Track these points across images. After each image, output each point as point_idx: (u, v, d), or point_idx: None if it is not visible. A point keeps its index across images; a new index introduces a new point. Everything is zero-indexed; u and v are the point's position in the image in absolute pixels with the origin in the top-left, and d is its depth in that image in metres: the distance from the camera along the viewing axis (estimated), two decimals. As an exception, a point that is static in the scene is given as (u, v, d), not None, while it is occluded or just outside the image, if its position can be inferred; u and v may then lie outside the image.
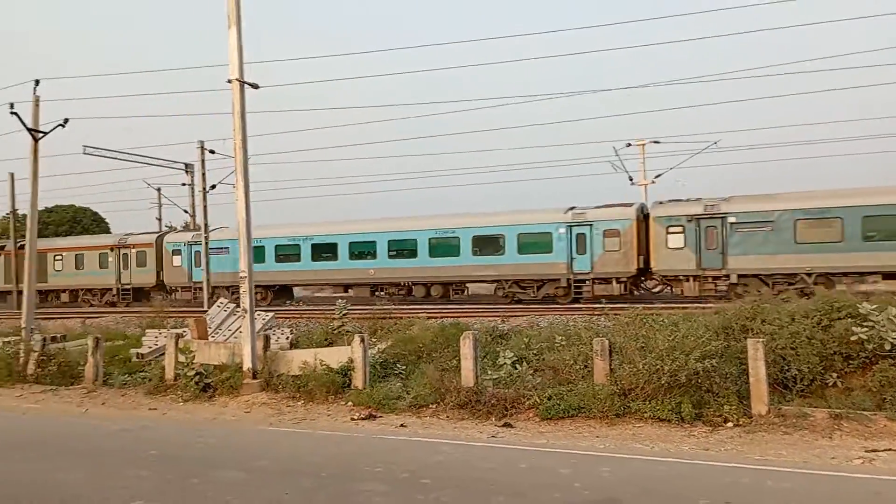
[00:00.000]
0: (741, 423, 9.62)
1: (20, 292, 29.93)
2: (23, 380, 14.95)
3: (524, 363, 12.35)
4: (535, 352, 12.61)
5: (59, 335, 18.84)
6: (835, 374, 10.47)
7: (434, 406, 11.18)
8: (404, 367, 13.58)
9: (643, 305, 12.89)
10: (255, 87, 13.79)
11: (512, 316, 18.28)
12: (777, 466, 7.80)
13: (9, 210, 37.80)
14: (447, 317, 19.13)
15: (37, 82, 17.95)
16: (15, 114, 17.40)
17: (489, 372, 11.97)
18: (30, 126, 17.66)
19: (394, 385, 12.43)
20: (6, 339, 17.10)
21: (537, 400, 10.55)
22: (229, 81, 13.41)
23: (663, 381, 9.84)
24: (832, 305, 11.08)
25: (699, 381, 9.96)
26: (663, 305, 17.49)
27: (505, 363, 12.23)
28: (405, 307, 23.53)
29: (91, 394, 13.78)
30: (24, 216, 36.86)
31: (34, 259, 17.50)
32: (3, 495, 7.05)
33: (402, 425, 10.42)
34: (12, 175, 35.70)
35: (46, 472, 7.92)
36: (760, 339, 10.11)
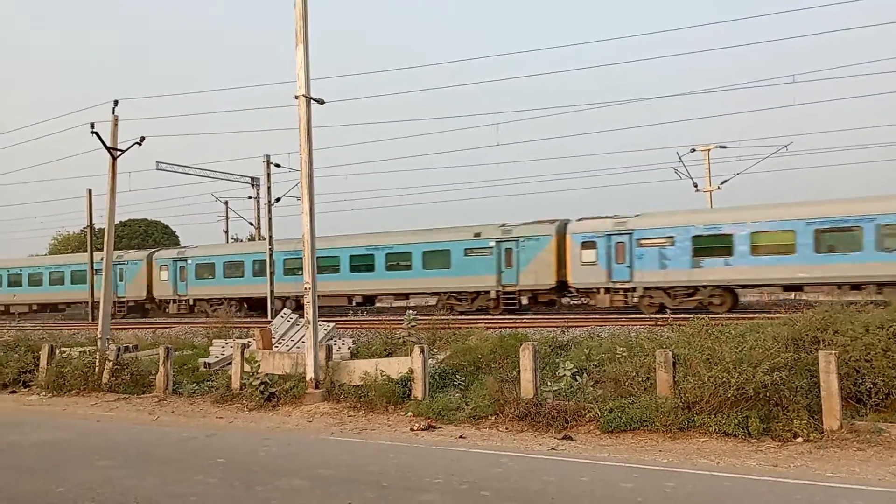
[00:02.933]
0: (812, 438, 9.28)
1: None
2: (98, 388, 15.62)
3: (584, 374, 12.22)
4: (595, 363, 12.46)
5: (131, 345, 19.64)
6: (914, 388, 9.98)
7: (493, 417, 11.17)
8: (463, 378, 13.62)
9: (708, 316, 12.57)
10: (320, 102, 14.15)
11: (572, 326, 18.08)
12: (850, 484, 7.48)
13: (86, 224, 39.59)
14: (506, 327, 19.10)
15: (115, 103, 18.82)
16: (95, 133, 18.27)
17: (549, 383, 11.89)
18: (108, 144, 18.53)
19: (453, 396, 12.48)
20: (83, 349, 17.92)
21: (598, 412, 10.41)
22: (296, 97, 13.79)
23: (730, 395, 9.57)
24: (910, 316, 10.57)
25: (767, 394, 9.65)
26: (728, 317, 17.00)
27: (565, 374, 12.12)
28: (463, 318, 23.60)
29: (161, 402, 14.30)
30: (101, 230, 38.79)
31: (110, 272, 18.29)
32: (81, 498, 7.40)
33: (461, 436, 10.44)
34: (90, 191, 37.50)
35: (120, 478, 8.26)
36: (833, 351, 9.73)
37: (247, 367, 13.87)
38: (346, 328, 21.63)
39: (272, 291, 31.84)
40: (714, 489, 7.42)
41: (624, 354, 11.94)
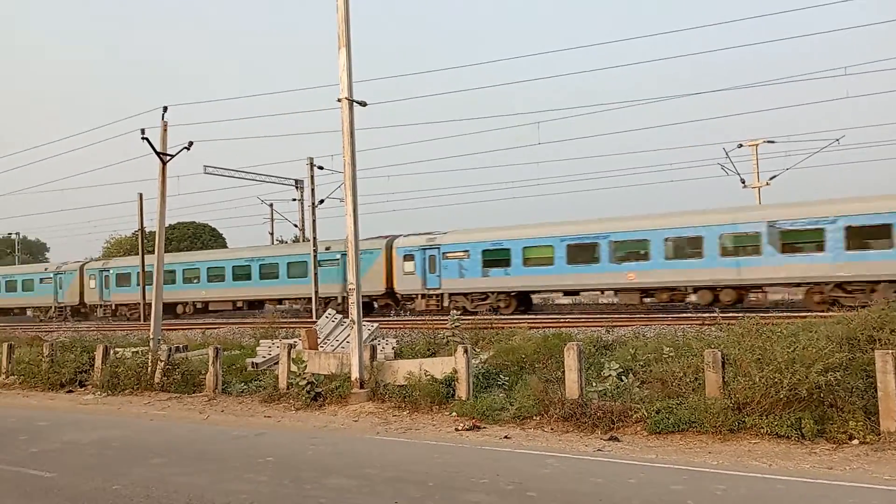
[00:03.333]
0: (868, 440, 9.00)
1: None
2: (150, 388, 16.06)
3: (630, 375, 12.07)
4: (641, 363, 12.29)
5: (181, 346, 20.13)
6: (978, 390, 9.58)
7: (538, 418, 11.12)
8: (507, 378, 13.58)
9: (758, 315, 12.29)
10: (363, 104, 14.29)
11: (617, 326, 17.88)
12: (912, 489, 7.24)
13: (137, 228, 40.70)
14: (549, 327, 18.98)
15: (165, 109, 19.31)
16: (146, 139, 18.78)
17: (594, 384, 11.78)
18: (158, 150, 19.02)
19: (497, 396, 12.46)
20: (135, 350, 18.45)
21: (645, 413, 10.27)
22: (339, 100, 13.95)
23: (782, 396, 9.35)
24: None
25: (821, 395, 9.40)
26: (778, 315, 16.59)
27: (610, 375, 12.00)
28: (505, 317, 23.59)
29: (211, 401, 14.62)
30: (151, 233, 39.85)
31: (161, 274, 18.78)
32: (137, 495, 7.62)
33: (506, 437, 10.43)
34: (141, 195, 38.43)
35: (173, 475, 8.49)
36: (890, 351, 9.41)
37: (293, 367, 14.08)
38: (390, 328, 21.79)
39: (317, 292, 32.26)
40: (767, 492, 7.25)
41: (671, 354, 11.76)
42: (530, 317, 24.55)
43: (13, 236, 74.69)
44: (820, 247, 22.18)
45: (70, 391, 16.98)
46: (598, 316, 23.50)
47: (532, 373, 13.18)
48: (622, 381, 11.89)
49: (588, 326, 18.71)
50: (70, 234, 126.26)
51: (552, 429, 10.69)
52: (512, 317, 24.54)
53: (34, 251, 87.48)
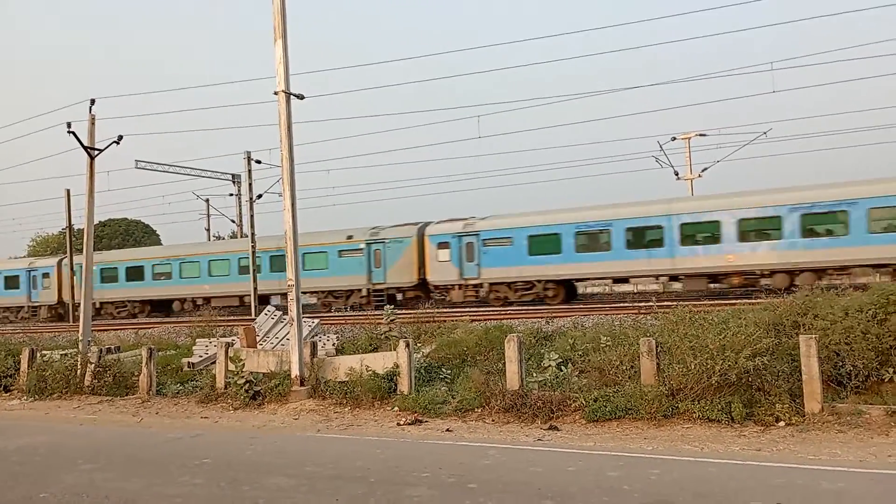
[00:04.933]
0: (794, 422, 9.40)
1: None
2: (80, 391, 15.46)
3: (570, 365, 12.30)
4: (580, 353, 12.51)
5: (113, 347, 19.47)
6: (891, 370, 10.14)
7: (479, 410, 11.20)
8: (449, 372, 13.64)
9: (690, 303, 12.67)
10: (300, 97, 14.06)
11: (556, 317, 18.16)
12: (832, 466, 7.60)
13: (65, 225, 39.14)
14: (490, 319, 19.13)
15: (92, 101, 18.52)
16: (72, 132, 18.00)
17: (534, 374, 11.95)
18: (86, 144, 18.26)
19: (439, 389, 12.49)
20: (64, 352, 17.73)
21: (583, 402, 10.48)
22: (276, 93, 13.69)
23: (713, 381, 9.68)
24: (888, 298, 10.72)
25: (750, 379, 9.78)
26: (711, 303, 17.15)
27: (550, 365, 12.19)
28: (447, 310, 23.64)
29: (145, 403, 14.19)
30: (80, 231, 38.35)
31: (91, 273, 18.08)
32: (66, 502, 7.33)
33: (448, 430, 10.47)
34: (68, 191, 36.99)
35: (105, 481, 8.19)
36: (813, 335, 9.86)
37: (231, 366, 13.79)
38: (331, 324, 21.56)
39: (255, 289, 31.67)
40: (698, 475, 7.49)
41: (608, 343, 12.02)
42: (472, 310, 24.67)
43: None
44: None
45: (-7, 397, 16.19)
46: (538, 307, 23.80)
47: (474, 365, 13.27)
48: (561, 371, 12.11)
49: (528, 318, 18.93)
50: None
51: (493, 420, 10.79)
52: (454, 310, 24.58)
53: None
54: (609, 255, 25.23)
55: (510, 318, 19.12)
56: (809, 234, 22.45)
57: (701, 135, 36.92)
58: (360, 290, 30.50)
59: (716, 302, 17.97)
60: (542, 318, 18.17)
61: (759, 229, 23.39)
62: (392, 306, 18.16)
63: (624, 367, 10.98)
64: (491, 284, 27.53)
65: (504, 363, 11.71)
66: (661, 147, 36.49)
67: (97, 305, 36.24)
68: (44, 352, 17.49)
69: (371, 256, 30.36)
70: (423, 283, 29.27)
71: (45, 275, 39.98)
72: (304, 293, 31.83)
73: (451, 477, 7.68)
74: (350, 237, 31.12)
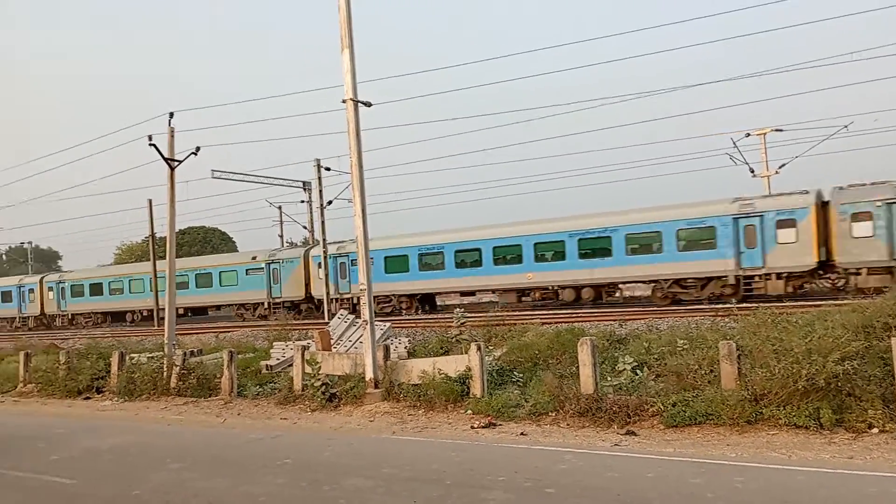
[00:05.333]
0: (888, 428, 8.93)
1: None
2: (166, 393, 16.13)
3: (645, 368, 12.05)
4: (655, 356, 12.25)
5: (196, 350, 20.23)
6: None
7: (553, 414, 11.09)
8: (521, 375, 13.58)
9: (773, 306, 12.20)
10: (367, 105, 14.28)
11: (629, 319, 17.83)
12: (934, 477, 7.17)
13: (148, 234, 40.88)
14: (562, 322, 18.94)
15: (171, 115, 19.35)
16: (153, 145, 18.83)
17: (609, 378, 11.76)
18: (166, 156, 19.08)
19: (512, 393, 12.45)
20: (150, 355, 18.55)
21: (661, 407, 10.23)
22: (344, 101, 13.95)
23: (799, 386, 9.28)
24: None
25: (839, 384, 9.33)
26: (794, 305, 16.49)
27: (625, 369, 11.97)
28: (517, 313, 23.56)
29: (227, 405, 14.68)
30: (162, 239, 40.04)
31: (174, 279, 18.87)
32: (156, 500, 7.67)
33: (522, 433, 10.42)
34: (150, 201, 38.60)
35: (192, 480, 8.53)
36: (908, 338, 9.32)
37: (307, 369, 14.12)
38: (402, 327, 21.80)
39: (328, 293, 32.30)
40: (787, 483, 7.21)
41: (685, 347, 11.72)
42: (542, 312, 24.48)
43: (26, 245, 75.23)
44: None
45: (87, 398, 17.09)
46: (611, 310, 23.40)
47: (546, 369, 13.17)
48: (637, 374, 11.87)
49: (600, 320, 18.66)
50: (82, 242, 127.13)
51: (568, 424, 10.67)
52: (524, 313, 24.47)
53: (47, 259, 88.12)
54: (444, 273, 29.30)
55: (582, 321, 18.88)
56: (585, 256, 26.04)
57: (777, 130, 35.52)
58: (262, 303, 35.37)
59: (798, 304, 17.26)
60: (614, 320, 17.87)
61: (551, 252, 26.93)
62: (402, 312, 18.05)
63: (703, 372, 10.67)
64: (358, 298, 29.79)
65: (577, 367, 11.56)
66: (734, 144, 35.28)
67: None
68: (132, 355, 18.32)
69: (270, 275, 35.64)
70: (309, 297, 33.65)
71: (31, 290, 46.13)
72: (221, 306, 39.08)
73: (527, 481, 7.64)
74: (254, 258, 36.36)
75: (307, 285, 33.84)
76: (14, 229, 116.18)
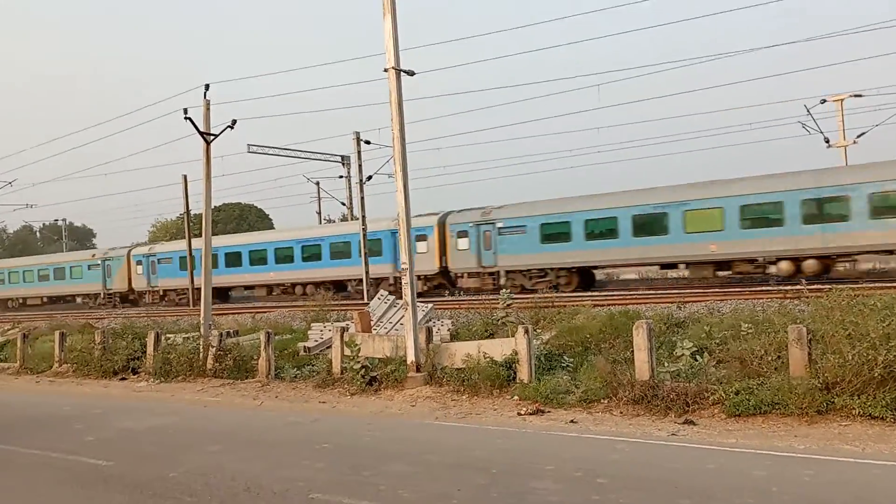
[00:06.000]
0: (976, 421, 8.63)
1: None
2: (203, 374, 16.59)
3: (705, 354, 11.88)
4: (717, 341, 12.06)
5: (232, 330, 20.68)
6: None
7: (606, 401, 11.05)
8: (571, 360, 13.53)
9: (849, 286, 11.85)
10: (410, 74, 14.25)
11: (689, 301, 17.56)
12: None
13: (183, 211, 41.79)
14: (615, 304, 18.78)
15: (206, 87, 19.55)
16: (188, 119, 19.10)
17: (666, 364, 11.64)
18: (202, 129, 19.36)
19: (561, 378, 12.43)
20: (186, 336, 19.05)
21: (723, 395, 10.08)
22: (385, 70, 13.95)
23: (876, 374, 9.04)
24: None
25: (920, 372, 9.04)
26: (871, 286, 16.00)
27: (683, 354, 11.84)
28: (567, 295, 23.45)
29: (265, 387, 15.03)
30: (197, 216, 40.89)
31: (210, 258, 19.27)
32: (195, 483, 7.92)
33: (572, 421, 10.41)
34: (185, 177, 39.26)
35: (230, 462, 8.78)
36: None
37: (346, 351, 14.32)
38: (444, 308, 21.90)
39: (367, 272, 32.61)
40: (860, 478, 7.06)
41: (749, 331, 11.51)
42: (594, 293, 24.32)
43: (60, 223, 77.70)
44: None
45: (123, 378, 17.69)
46: (668, 291, 23.09)
47: (598, 353, 13.08)
48: (696, 360, 11.72)
49: (657, 303, 18.43)
50: (116, 219, 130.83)
51: (622, 412, 10.62)
52: (574, 294, 24.35)
53: (81, 237, 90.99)
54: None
55: (637, 303, 18.69)
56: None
57: (856, 95, 34.29)
58: (99, 294, 44.71)
59: (877, 286, 16.75)
60: (672, 302, 17.63)
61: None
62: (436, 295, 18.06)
63: (769, 358, 10.46)
64: (165, 290, 42.10)
65: (632, 351, 11.47)
66: (808, 111, 34.19)
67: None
68: (167, 335, 18.86)
69: (104, 270, 44.92)
70: (131, 290, 40.55)
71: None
72: (68, 297, 48.31)
73: (577, 471, 7.64)
74: (94, 255, 46.63)
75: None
76: (48, 206, 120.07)
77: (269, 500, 7.19)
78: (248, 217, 66.49)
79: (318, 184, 48.07)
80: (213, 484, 7.83)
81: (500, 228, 29.86)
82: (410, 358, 13.59)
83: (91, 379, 18.16)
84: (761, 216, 24.32)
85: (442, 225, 31.94)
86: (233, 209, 65.80)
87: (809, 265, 23.40)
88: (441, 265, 31.82)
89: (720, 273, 25.99)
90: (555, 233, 28.73)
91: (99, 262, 44.94)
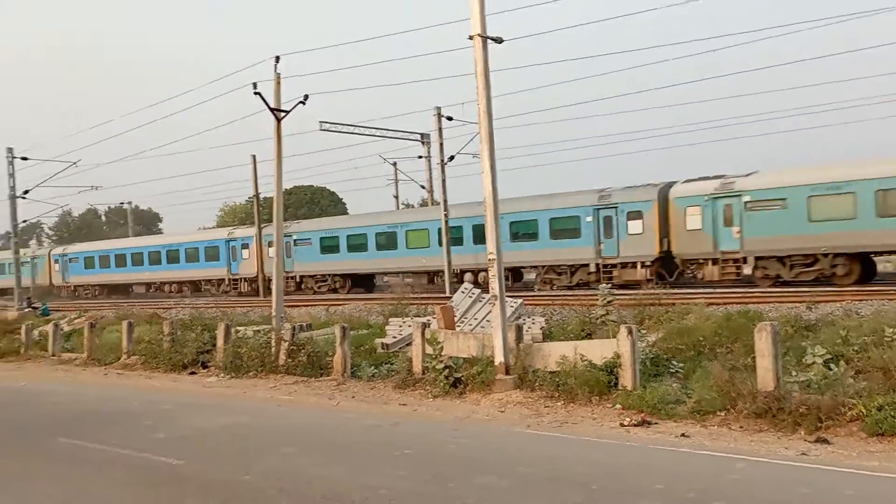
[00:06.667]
0: None
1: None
2: (275, 370, 17.10)
3: (841, 362, 11.41)
4: (856, 348, 11.61)
5: (305, 324, 21.22)
6: None
7: (723, 413, 10.78)
8: (681, 365, 13.29)
9: None
10: (498, 41, 14.21)
11: (821, 301, 16.91)
12: None
13: (251, 194, 42.98)
14: (732, 303, 18.28)
15: (277, 59, 19.89)
16: (258, 94, 19.53)
17: (794, 373, 11.24)
18: (272, 105, 19.79)
19: (670, 386, 12.23)
20: (256, 328, 19.69)
21: (863, 410, 9.67)
22: (470, 38, 13.93)
23: None
24: None
25: None
26: None
27: (815, 362, 11.39)
28: (676, 292, 22.95)
29: (340, 386, 15.38)
30: (265, 199, 42.02)
31: (281, 244, 19.82)
32: (269, 487, 8.19)
33: (683, 434, 10.22)
34: (254, 157, 40.30)
35: (306, 466, 9.05)
36: None
37: (428, 349, 14.47)
38: (535, 304, 21.84)
39: (450, 263, 32.77)
40: None
41: (894, 337, 11.00)
42: (707, 291, 23.70)
43: (125, 206, 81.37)
44: None
45: (193, 372, 18.45)
46: (795, 290, 22.25)
47: (713, 359, 12.80)
48: (830, 369, 11.27)
49: (783, 302, 17.83)
50: (182, 201, 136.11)
51: (741, 427, 10.34)
52: (684, 290, 23.78)
53: (147, 221, 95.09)
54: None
55: (758, 303, 18.14)
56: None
57: None
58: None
59: None
60: (801, 302, 17.02)
61: None
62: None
63: (921, 369, 9.97)
64: (77, 286, 54.61)
65: (753, 357, 11.15)
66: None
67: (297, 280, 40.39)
68: (237, 328, 19.52)
69: (34, 267, 56.15)
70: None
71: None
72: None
73: (689, 491, 7.51)
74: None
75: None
76: (114, 188, 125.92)
77: (347, 510, 7.37)
78: (319, 201, 67.91)
79: (395, 165, 48.52)
80: (287, 489, 8.08)
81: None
82: (499, 359, 13.61)
83: (160, 372, 19.02)
84: None
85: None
86: (304, 192, 67.29)
87: None
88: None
89: None
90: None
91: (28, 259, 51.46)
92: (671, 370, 13.18)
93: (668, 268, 28.74)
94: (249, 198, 54.10)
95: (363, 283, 39.81)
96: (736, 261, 26.33)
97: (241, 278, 43.63)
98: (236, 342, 18.25)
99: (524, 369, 13.43)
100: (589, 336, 15.33)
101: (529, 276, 35.31)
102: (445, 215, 32.99)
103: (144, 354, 20.30)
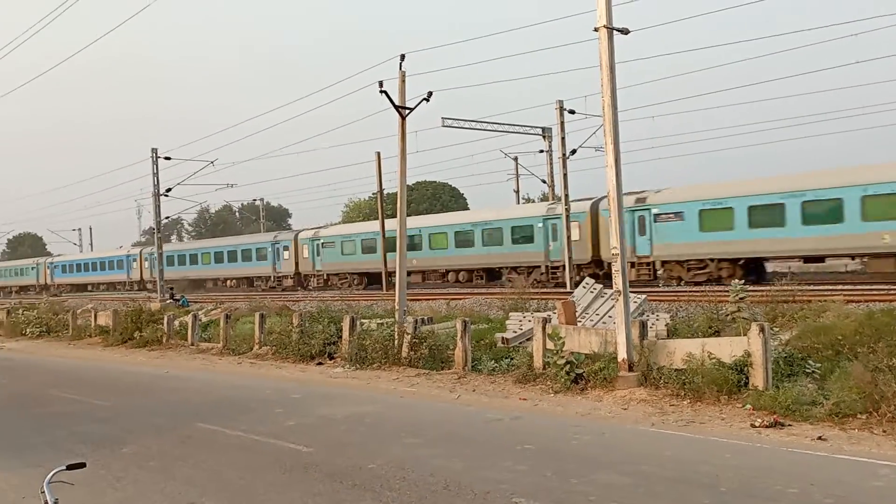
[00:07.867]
0: None
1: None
2: (398, 362, 17.48)
3: None
4: None
5: (426, 318, 21.55)
6: None
7: (864, 416, 10.20)
8: (818, 365, 12.63)
9: None
10: (624, 32, 13.93)
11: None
12: None
13: (376, 190, 43.99)
14: (874, 300, 17.20)
15: (402, 57, 20.26)
16: (384, 92, 19.97)
17: (945, 375, 10.49)
18: (397, 103, 20.19)
19: (805, 387, 11.67)
20: (380, 321, 20.12)
21: None
22: (596, 29, 13.73)
23: None
24: None
25: None
26: None
27: (969, 364, 10.58)
28: (812, 287, 21.81)
29: (461, 379, 15.53)
30: (389, 195, 42.92)
31: (405, 239, 20.16)
32: (393, 476, 8.39)
33: (819, 438, 9.72)
34: (378, 154, 41.26)
35: (428, 457, 9.21)
36: None
37: (549, 344, 14.39)
38: (660, 301, 21.30)
39: (570, 258, 32.44)
40: None
41: None
42: (846, 287, 22.40)
43: (258, 202, 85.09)
44: None
45: (320, 363, 19.11)
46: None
47: (853, 359, 12.08)
48: None
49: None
50: (311, 198, 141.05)
51: (885, 431, 9.74)
52: (821, 287, 22.58)
53: (277, 217, 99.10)
54: None
55: (903, 300, 16.97)
56: None
57: None
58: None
59: None
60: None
61: None
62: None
63: None
64: (60, 287, 65.39)
65: (899, 358, 10.47)
66: None
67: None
68: (362, 320, 20.06)
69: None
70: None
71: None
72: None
73: (827, 497, 7.16)
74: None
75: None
76: (247, 185, 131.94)
77: (469, 501, 7.45)
78: (441, 196, 68.72)
79: (516, 159, 48.43)
80: (411, 479, 8.25)
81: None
82: (622, 355, 13.37)
83: (289, 362, 19.80)
84: None
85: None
86: (426, 188, 68.30)
87: None
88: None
89: None
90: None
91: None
92: (807, 370, 12.54)
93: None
94: (373, 194, 55.36)
95: (376, 280, 42.16)
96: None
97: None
98: (361, 335, 18.75)
99: (648, 366, 13.14)
100: (717, 333, 14.84)
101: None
102: (567, 209, 32.72)
103: (275, 345, 21.19)
